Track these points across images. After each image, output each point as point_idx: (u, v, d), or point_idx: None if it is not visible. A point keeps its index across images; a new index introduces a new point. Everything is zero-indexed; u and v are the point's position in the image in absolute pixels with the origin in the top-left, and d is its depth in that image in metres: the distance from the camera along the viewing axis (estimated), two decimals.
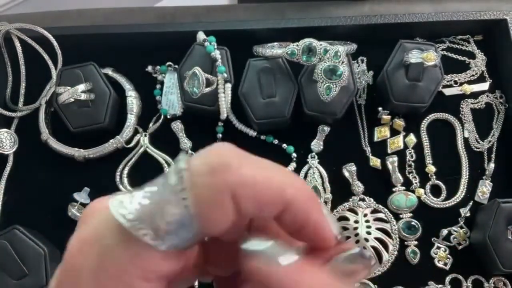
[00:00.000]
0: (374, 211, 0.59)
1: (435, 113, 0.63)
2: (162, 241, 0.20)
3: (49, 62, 0.65)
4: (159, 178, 0.21)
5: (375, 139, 0.63)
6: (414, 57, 0.59)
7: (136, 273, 0.20)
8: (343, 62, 0.57)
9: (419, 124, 0.63)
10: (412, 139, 0.62)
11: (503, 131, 0.63)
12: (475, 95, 0.64)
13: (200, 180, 0.20)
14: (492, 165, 0.61)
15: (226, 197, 0.20)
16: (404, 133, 0.63)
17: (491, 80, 0.65)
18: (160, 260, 0.20)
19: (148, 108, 0.64)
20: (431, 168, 0.61)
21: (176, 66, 0.64)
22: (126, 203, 0.20)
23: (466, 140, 0.63)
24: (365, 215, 0.59)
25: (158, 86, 0.65)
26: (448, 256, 0.58)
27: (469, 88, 0.64)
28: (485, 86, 0.65)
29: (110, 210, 0.20)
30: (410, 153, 0.62)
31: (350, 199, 0.60)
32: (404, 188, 0.60)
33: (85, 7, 0.69)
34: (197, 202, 0.20)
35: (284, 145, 0.62)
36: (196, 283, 0.55)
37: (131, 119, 0.62)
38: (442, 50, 0.66)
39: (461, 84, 0.65)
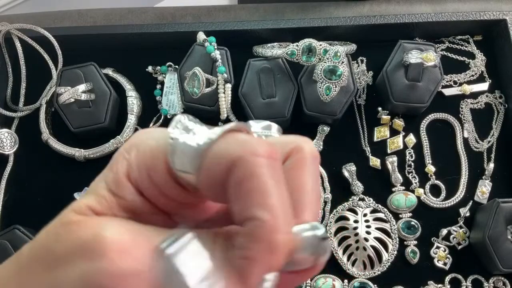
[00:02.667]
0: (374, 211, 0.59)
1: (435, 113, 0.63)
2: (171, 155, 0.20)
3: (50, 62, 0.65)
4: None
5: (375, 139, 0.63)
6: (413, 57, 0.59)
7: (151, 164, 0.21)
8: (342, 62, 0.57)
9: (419, 124, 0.63)
10: (411, 139, 0.62)
11: (503, 131, 0.63)
12: (474, 95, 0.64)
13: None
14: (491, 165, 0.61)
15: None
16: (403, 133, 0.63)
17: (490, 80, 0.65)
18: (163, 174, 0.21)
19: (148, 108, 0.64)
20: (430, 168, 0.61)
21: (176, 66, 0.64)
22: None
23: (465, 140, 0.63)
24: (365, 215, 0.59)
25: (158, 86, 0.65)
26: (448, 256, 0.58)
27: (469, 88, 0.64)
28: (484, 86, 0.65)
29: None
30: (409, 153, 0.62)
31: (350, 199, 0.60)
32: (403, 188, 0.60)
33: (85, 7, 0.69)
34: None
35: None
36: None
37: (132, 119, 0.62)
38: (442, 50, 0.66)
39: (460, 84, 0.65)
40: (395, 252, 0.58)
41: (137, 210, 0.21)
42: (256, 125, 0.24)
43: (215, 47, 0.59)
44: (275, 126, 0.24)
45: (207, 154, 0.19)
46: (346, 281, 0.57)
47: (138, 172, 0.21)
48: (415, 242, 0.58)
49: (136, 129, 0.63)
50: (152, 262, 0.18)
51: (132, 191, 0.21)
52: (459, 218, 0.59)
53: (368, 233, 0.58)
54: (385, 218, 0.59)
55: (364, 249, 0.58)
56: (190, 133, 0.20)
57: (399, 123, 0.63)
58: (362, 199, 0.60)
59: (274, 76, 0.60)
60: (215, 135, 0.20)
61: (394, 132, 0.63)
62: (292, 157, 0.22)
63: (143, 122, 0.64)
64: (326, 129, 0.62)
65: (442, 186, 0.61)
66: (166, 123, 0.63)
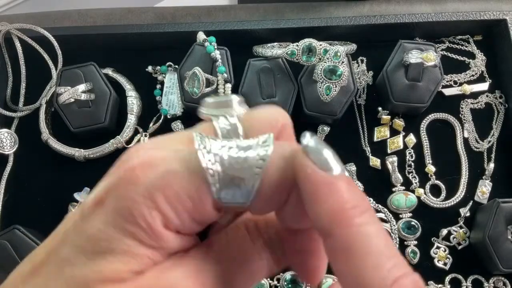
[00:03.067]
0: (374, 211, 0.59)
1: (435, 113, 0.63)
2: (218, 192, 0.19)
3: (50, 62, 0.65)
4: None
5: (375, 139, 0.63)
6: (413, 57, 0.59)
7: (188, 203, 0.19)
8: (343, 62, 0.57)
9: (419, 124, 0.63)
10: (411, 139, 0.62)
11: (503, 131, 0.63)
12: (474, 95, 0.64)
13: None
14: (491, 165, 0.61)
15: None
16: (403, 133, 0.63)
17: (490, 80, 0.65)
18: (205, 206, 0.20)
19: (148, 108, 0.64)
20: (430, 168, 0.61)
21: (176, 66, 0.64)
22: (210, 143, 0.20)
23: (465, 140, 0.63)
24: None
25: (158, 86, 0.65)
26: (448, 256, 0.58)
27: (469, 88, 0.64)
28: (484, 86, 0.65)
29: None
30: (409, 153, 0.62)
31: None
32: (403, 188, 0.60)
33: (85, 7, 0.69)
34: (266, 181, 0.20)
35: None
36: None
37: (131, 119, 0.62)
38: (442, 50, 0.66)
39: (460, 84, 0.65)
40: None
41: (175, 248, 0.21)
42: (214, 102, 0.23)
43: (215, 47, 0.59)
44: (235, 99, 0.23)
45: (263, 183, 0.19)
46: None
47: (180, 220, 0.20)
48: (415, 242, 0.58)
49: (136, 129, 0.63)
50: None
51: (174, 237, 0.20)
52: (459, 218, 0.59)
53: None
54: (385, 218, 0.59)
55: None
56: (225, 151, 0.19)
57: (399, 123, 0.63)
58: None
59: (274, 76, 0.60)
60: (262, 159, 0.19)
61: (394, 132, 0.63)
62: (282, 134, 0.23)
63: (143, 122, 0.64)
64: (326, 129, 0.62)
65: (442, 186, 0.61)
66: (166, 123, 0.63)
